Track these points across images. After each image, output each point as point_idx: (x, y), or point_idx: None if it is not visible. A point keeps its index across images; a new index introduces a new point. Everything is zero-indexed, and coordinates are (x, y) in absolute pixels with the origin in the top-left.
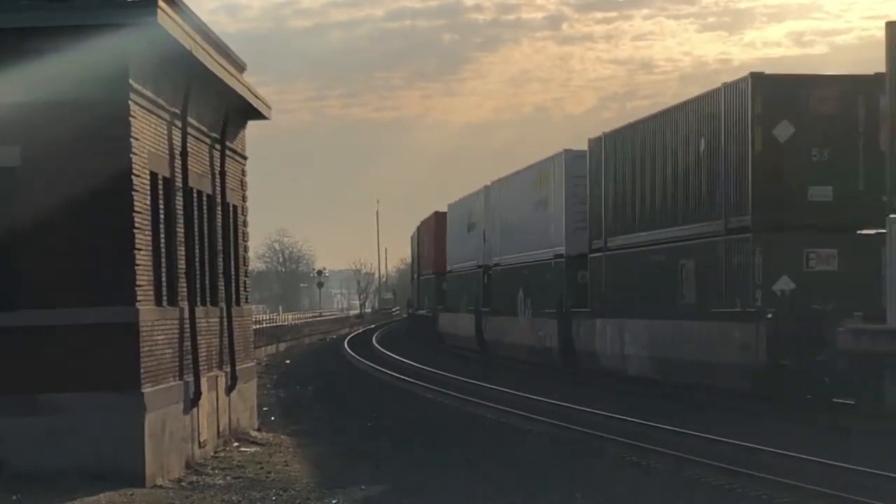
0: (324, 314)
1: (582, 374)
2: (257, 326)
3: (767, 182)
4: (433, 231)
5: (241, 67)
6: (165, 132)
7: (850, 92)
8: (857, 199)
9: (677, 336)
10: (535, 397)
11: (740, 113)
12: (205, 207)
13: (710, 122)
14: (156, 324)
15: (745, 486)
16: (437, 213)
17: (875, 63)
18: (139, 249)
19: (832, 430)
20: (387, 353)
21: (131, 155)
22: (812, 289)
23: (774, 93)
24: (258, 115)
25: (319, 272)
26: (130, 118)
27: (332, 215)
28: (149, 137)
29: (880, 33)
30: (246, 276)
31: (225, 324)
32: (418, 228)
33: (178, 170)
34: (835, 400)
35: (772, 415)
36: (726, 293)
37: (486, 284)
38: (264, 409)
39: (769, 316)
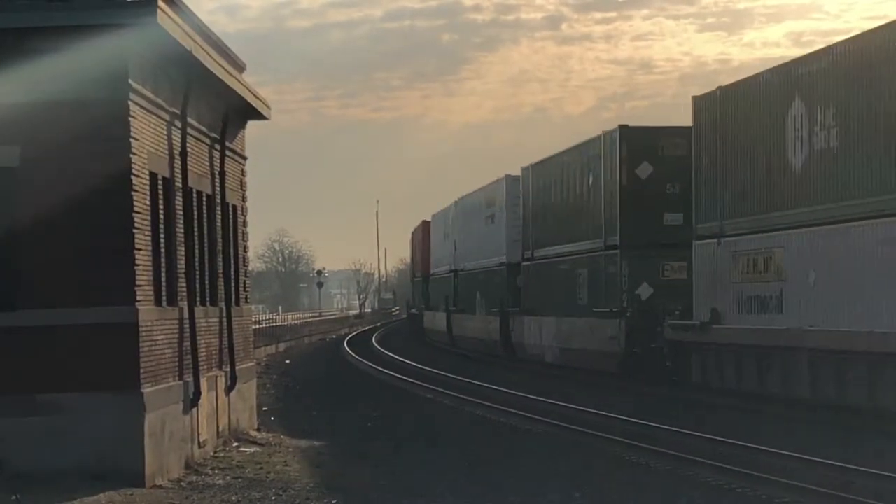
0: (323, 314)
1: (516, 361)
2: (257, 326)
3: (631, 209)
4: (421, 238)
5: (240, 67)
6: (165, 132)
7: None
8: None
9: (574, 330)
10: (474, 381)
11: (612, 155)
12: (204, 207)
13: (595, 161)
14: (155, 324)
15: (591, 441)
16: (423, 222)
17: None
18: (139, 249)
19: (670, 401)
20: (386, 352)
21: (131, 155)
22: (667, 293)
23: (637, 140)
24: (258, 116)
25: (319, 272)
26: (130, 118)
27: (332, 215)
28: (148, 137)
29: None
30: (246, 276)
31: (224, 324)
32: (413, 233)
33: (178, 170)
34: (673, 378)
35: (628, 389)
36: (605, 296)
37: (455, 286)
38: (264, 409)
39: (628, 314)
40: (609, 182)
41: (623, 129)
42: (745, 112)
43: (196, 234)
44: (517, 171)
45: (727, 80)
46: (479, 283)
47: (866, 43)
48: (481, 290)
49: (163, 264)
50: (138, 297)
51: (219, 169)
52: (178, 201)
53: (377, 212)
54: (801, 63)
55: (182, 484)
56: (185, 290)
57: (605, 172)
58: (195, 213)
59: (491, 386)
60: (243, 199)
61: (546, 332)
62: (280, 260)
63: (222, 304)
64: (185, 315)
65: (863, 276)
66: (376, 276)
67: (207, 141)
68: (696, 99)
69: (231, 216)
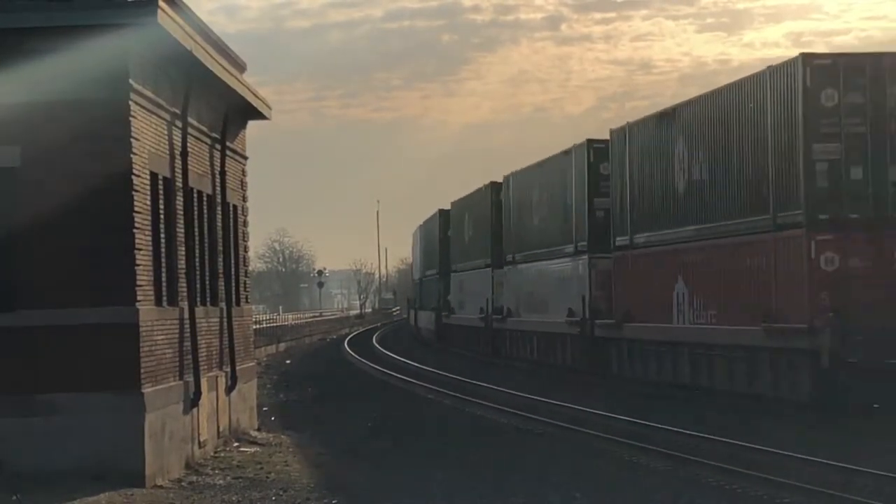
0: (324, 314)
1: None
2: (257, 326)
3: (597, 226)
4: (418, 242)
5: (241, 67)
6: (166, 132)
7: None
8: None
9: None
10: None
11: (581, 175)
12: (205, 207)
13: (561, 178)
14: (156, 324)
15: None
16: (419, 228)
17: None
18: (139, 249)
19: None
20: (386, 352)
21: (131, 155)
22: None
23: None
24: (258, 115)
25: (319, 272)
26: (130, 118)
27: (333, 215)
28: (149, 137)
29: (879, 34)
30: (246, 276)
31: (225, 324)
32: (413, 235)
33: (179, 170)
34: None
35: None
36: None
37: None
38: (264, 409)
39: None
40: (576, 201)
41: (590, 140)
42: (647, 146)
43: (196, 233)
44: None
45: (727, 80)
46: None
47: (724, 96)
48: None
49: (163, 264)
50: (139, 297)
51: (219, 169)
52: (179, 201)
53: (378, 212)
54: (684, 107)
55: (182, 484)
56: (185, 290)
57: (574, 190)
58: (196, 212)
59: (490, 385)
60: (244, 198)
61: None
62: (280, 260)
63: (223, 304)
64: (186, 315)
65: (719, 281)
66: (377, 275)
67: (208, 141)
68: (612, 132)
69: (231, 216)
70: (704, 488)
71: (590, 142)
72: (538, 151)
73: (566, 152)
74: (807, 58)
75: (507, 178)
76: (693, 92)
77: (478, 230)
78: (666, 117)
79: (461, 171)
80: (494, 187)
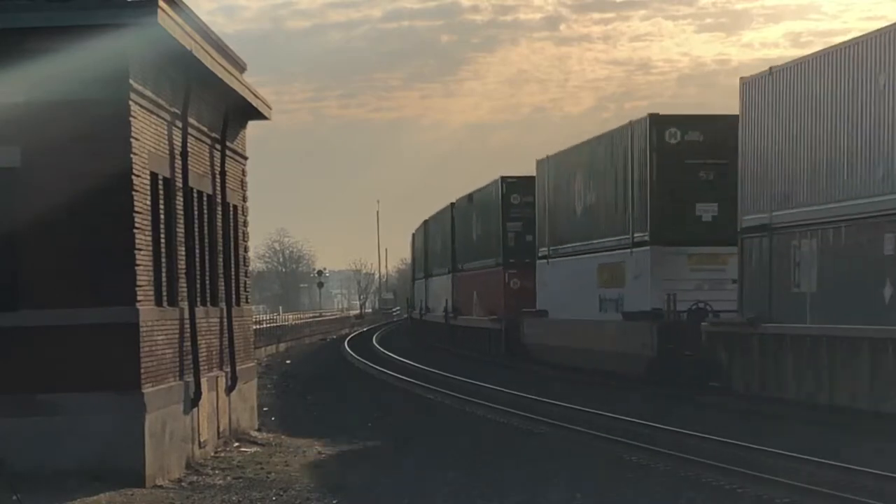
0: (324, 314)
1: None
2: (257, 326)
3: (545, 234)
4: (413, 245)
5: (241, 67)
6: (166, 132)
7: None
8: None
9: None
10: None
11: (496, 206)
12: (205, 207)
13: (485, 208)
14: (156, 324)
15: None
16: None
17: None
18: (139, 249)
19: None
20: (386, 352)
21: (131, 155)
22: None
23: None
24: (258, 116)
25: (320, 272)
26: (131, 118)
27: (333, 215)
28: (149, 137)
29: None
30: (246, 276)
31: (225, 324)
32: (414, 234)
33: (179, 170)
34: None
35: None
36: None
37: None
38: (264, 409)
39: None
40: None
41: (540, 160)
42: (558, 174)
43: (196, 234)
44: (514, 172)
45: (725, 81)
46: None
47: (607, 139)
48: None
49: (163, 264)
50: (139, 298)
51: (219, 169)
52: (179, 201)
53: (378, 212)
54: (583, 146)
55: (182, 484)
56: (185, 290)
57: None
58: (196, 213)
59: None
60: (244, 198)
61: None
62: (280, 260)
63: (223, 304)
64: (186, 315)
65: (591, 286)
66: (377, 276)
67: (208, 141)
68: (538, 162)
69: (232, 216)
70: None
71: (503, 178)
72: (538, 151)
73: (489, 185)
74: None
75: (458, 202)
76: (692, 92)
77: (444, 243)
78: (570, 153)
79: (461, 172)
80: (453, 207)
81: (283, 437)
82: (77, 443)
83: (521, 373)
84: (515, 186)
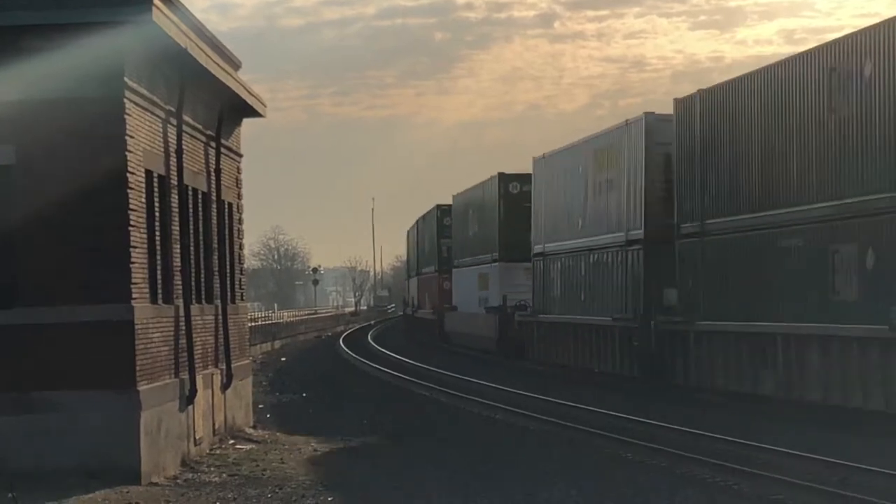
0: (319, 312)
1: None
2: (252, 324)
3: (505, 235)
4: (408, 243)
5: (235, 65)
6: (160, 130)
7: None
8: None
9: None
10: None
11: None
12: (200, 205)
13: (430, 228)
14: (151, 321)
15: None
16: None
17: None
18: (134, 247)
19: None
20: (381, 349)
21: (126, 153)
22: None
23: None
24: (253, 113)
25: (314, 270)
26: (125, 116)
27: (328, 213)
28: (144, 135)
29: None
30: (241, 274)
31: (220, 321)
32: (408, 233)
33: (174, 167)
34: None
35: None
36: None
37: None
38: (260, 406)
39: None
40: (489, 217)
41: (501, 175)
42: (456, 210)
43: (191, 231)
44: (509, 170)
45: (720, 78)
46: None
47: (480, 189)
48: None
49: (158, 262)
50: (134, 295)
51: (214, 166)
52: (174, 199)
53: (373, 209)
54: (473, 189)
55: (178, 481)
56: (180, 287)
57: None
58: (191, 210)
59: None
60: (239, 196)
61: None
62: (275, 257)
63: (218, 302)
64: (181, 313)
65: (474, 289)
66: (372, 273)
67: (203, 138)
68: (453, 197)
69: (227, 214)
70: None
71: (438, 206)
72: (533, 148)
73: (431, 210)
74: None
75: (423, 216)
76: (687, 89)
77: (430, 247)
78: (466, 194)
79: (456, 169)
80: (440, 210)
81: (278, 434)
82: (73, 441)
83: (448, 353)
84: (446, 212)
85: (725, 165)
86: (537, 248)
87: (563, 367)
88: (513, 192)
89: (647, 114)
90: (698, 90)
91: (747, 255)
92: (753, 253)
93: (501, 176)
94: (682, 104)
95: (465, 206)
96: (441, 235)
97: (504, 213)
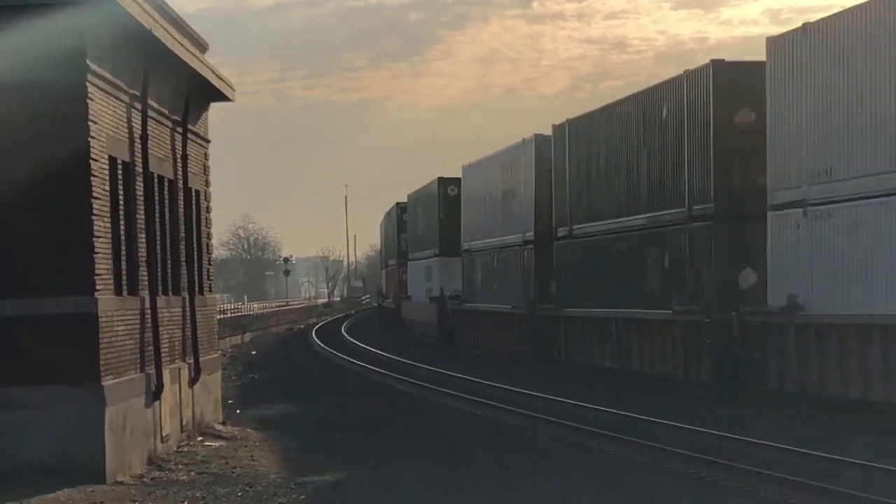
0: (290, 303)
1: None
2: (221, 316)
3: (444, 232)
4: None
5: (202, 47)
6: (124, 115)
7: None
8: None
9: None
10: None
11: (434, 199)
12: (166, 193)
13: (392, 225)
14: (116, 314)
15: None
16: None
17: None
18: (98, 237)
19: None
20: (355, 342)
21: (89, 139)
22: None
23: (448, 188)
24: (221, 97)
25: (286, 260)
26: (88, 100)
27: (299, 201)
28: (107, 120)
29: None
30: (209, 264)
31: (188, 313)
32: (381, 224)
33: (138, 154)
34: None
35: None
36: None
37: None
38: (229, 401)
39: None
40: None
41: (441, 180)
42: (413, 208)
43: (157, 220)
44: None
45: (704, 60)
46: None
47: (425, 192)
48: None
49: (123, 252)
50: (98, 287)
51: (181, 153)
52: (139, 186)
53: (346, 196)
54: (420, 191)
55: (144, 480)
56: (146, 278)
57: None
58: (156, 198)
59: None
60: (206, 183)
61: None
62: (245, 247)
63: (185, 294)
64: (147, 305)
65: (423, 280)
66: (345, 263)
67: (169, 123)
68: (409, 196)
69: (194, 202)
70: None
71: (397, 203)
72: (510, 133)
73: (392, 208)
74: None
75: (403, 201)
76: (670, 71)
77: (392, 240)
78: (414, 196)
79: (431, 155)
80: (398, 207)
81: (248, 430)
82: (34, 438)
83: (402, 338)
84: (404, 209)
85: (584, 182)
86: (465, 245)
87: (484, 349)
88: (451, 194)
89: (536, 135)
90: (567, 120)
91: (596, 255)
92: (599, 254)
93: (440, 180)
94: (557, 130)
95: (416, 205)
96: (400, 230)
97: (443, 212)
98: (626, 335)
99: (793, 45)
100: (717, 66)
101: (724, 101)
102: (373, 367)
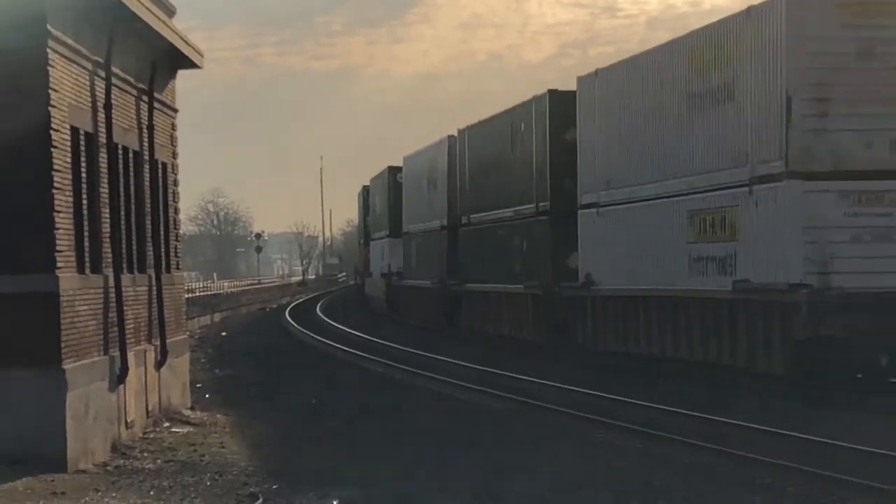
0: (263, 281)
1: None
2: (190, 295)
3: (393, 216)
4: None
5: (170, 11)
6: (87, 83)
7: None
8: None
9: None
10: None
11: (386, 186)
12: (131, 165)
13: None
14: (78, 293)
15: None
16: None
17: None
18: (59, 211)
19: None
20: (330, 321)
21: (50, 108)
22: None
23: (397, 176)
24: (189, 64)
25: (258, 235)
26: (49, 67)
27: (271, 173)
28: (69, 89)
29: None
30: (177, 241)
31: (154, 293)
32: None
33: (102, 124)
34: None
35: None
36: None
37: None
38: (198, 385)
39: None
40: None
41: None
42: (371, 193)
43: (122, 194)
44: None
45: (698, 24)
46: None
47: (381, 176)
48: None
49: (86, 228)
50: (59, 264)
51: (147, 123)
52: (103, 158)
53: (321, 169)
54: (392, 169)
55: (108, 468)
56: (110, 255)
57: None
58: (121, 171)
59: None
60: (174, 155)
61: None
62: (214, 222)
63: (151, 272)
64: (111, 283)
65: (378, 259)
66: (320, 239)
67: (134, 92)
68: (371, 180)
69: (160, 174)
70: None
71: (364, 186)
72: (494, 103)
73: (361, 189)
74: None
75: (368, 184)
76: (663, 37)
77: (360, 221)
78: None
79: (410, 125)
80: (364, 189)
81: (218, 416)
82: None
83: (371, 314)
84: (369, 192)
85: (476, 180)
86: (405, 228)
87: (414, 318)
88: (399, 181)
89: (449, 136)
90: (467, 126)
91: (484, 240)
92: (487, 239)
93: (390, 169)
94: (459, 134)
95: (375, 189)
96: (365, 213)
97: (393, 198)
98: (501, 307)
99: (590, 84)
100: (553, 94)
101: (557, 123)
102: (318, 337)
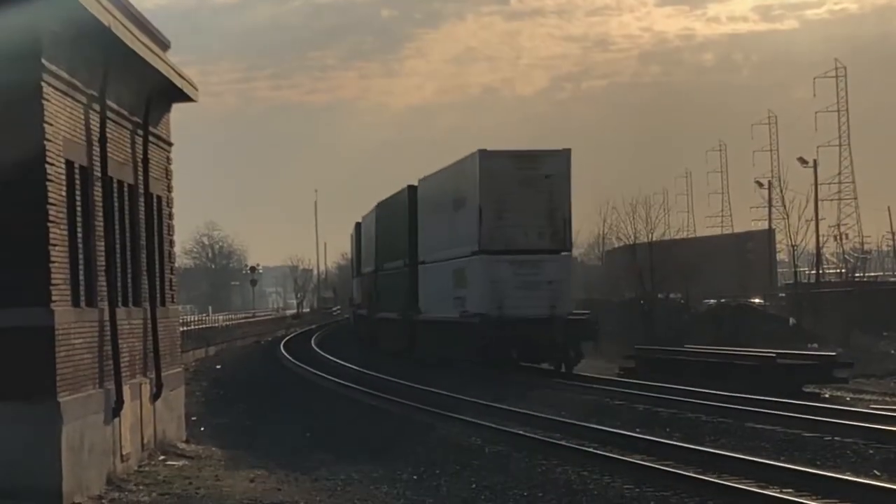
0: (258, 314)
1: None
2: (185, 328)
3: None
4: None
5: (164, 45)
6: (82, 116)
7: None
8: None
9: None
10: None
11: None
12: (126, 198)
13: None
14: (73, 326)
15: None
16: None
17: (850, 39)
18: (54, 245)
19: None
20: (326, 355)
21: (45, 141)
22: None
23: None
24: (184, 98)
25: (252, 269)
26: (43, 101)
27: (266, 207)
28: (64, 122)
29: (854, 6)
30: (172, 274)
31: (149, 326)
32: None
33: (97, 158)
34: None
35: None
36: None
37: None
38: (193, 418)
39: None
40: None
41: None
42: (366, 226)
43: (117, 227)
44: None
45: (691, 58)
46: None
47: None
48: None
49: (81, 261)
50: (54, 298)
51: (141, 156)
52: (97, 192)
53: (315, 202)
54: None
55: (103, 501)
56: (105, 289)
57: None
58: (116, 204)
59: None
60: (169, 188)
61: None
62: (209, 256)
63: (146, 305)
64: (106, 317)
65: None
66: (315, 272)
67: (129, 126)
68: (363, 217)
69: (155, 208)
70: None
71: (357, 223)
72: (488, 135)
73: (355, 225)
74: None
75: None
76: (655, 71)
77: (353, 256)
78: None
79: (405, 158)
80: (357, 226)
81: (213, 449)
82: None
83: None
84: (361, 228)
85: (381, 242)
86: (366, 269)
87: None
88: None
89: (409, 186)
90: (388, 198)
91: (386, 282)
92: (387, 282)
93: (357, 224)
94: (380, 206)
95: (357, 232)
96: (358, 248)
97: (363, 243)
98: (389, 330)
99: (422, 185)
100: (411, 188)
101: (413, 208)
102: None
